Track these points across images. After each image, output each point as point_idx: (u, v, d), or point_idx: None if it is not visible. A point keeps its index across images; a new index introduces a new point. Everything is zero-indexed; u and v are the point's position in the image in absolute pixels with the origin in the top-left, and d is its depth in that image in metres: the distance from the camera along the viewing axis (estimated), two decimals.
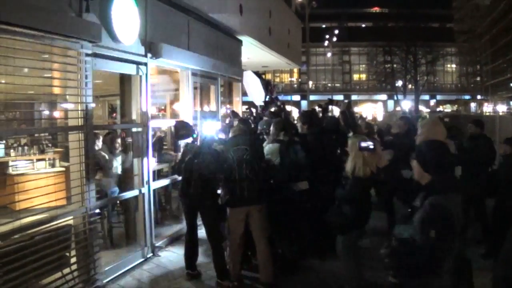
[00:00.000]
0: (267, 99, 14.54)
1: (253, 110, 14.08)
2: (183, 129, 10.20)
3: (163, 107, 21.86)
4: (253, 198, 9.10)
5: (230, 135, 9.96)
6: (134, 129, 10.91)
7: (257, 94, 12.30)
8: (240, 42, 18.39)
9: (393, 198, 12.25)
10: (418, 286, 4.95)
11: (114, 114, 18.66)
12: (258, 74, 13.40)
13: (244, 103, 19.47)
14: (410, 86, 76.92)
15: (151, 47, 11.04)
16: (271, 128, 10.16)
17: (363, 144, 5.99)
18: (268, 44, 20.95)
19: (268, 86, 12.71)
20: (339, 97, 72.10)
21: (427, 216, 4.83)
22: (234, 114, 13.20)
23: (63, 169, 14.77)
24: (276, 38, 22.86)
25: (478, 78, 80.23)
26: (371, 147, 5.89)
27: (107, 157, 11.71)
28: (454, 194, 4.94)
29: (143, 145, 10.95)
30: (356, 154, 8.35)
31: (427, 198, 4.93)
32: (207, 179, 9.54)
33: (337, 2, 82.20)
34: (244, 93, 19.35)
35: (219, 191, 9.83)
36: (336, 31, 78.42)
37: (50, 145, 16.76)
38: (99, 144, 11.69)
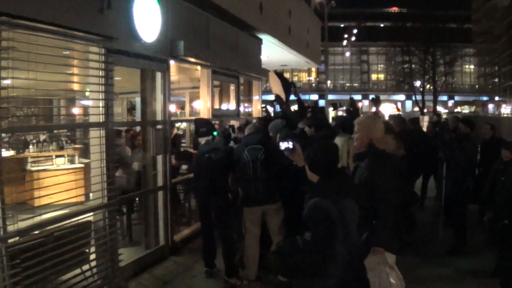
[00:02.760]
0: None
1: (270, 108, 13.99)
2: (203, 126, 10.17)
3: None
4: (267, 197, 9.08)
5: (245, 133, 9.94)
6: (154, 126, 10.89)
7: (280, 95, 12.24)
8: (260, 40, 18.33)
9: None
10: (307, 287, 4.89)
11: (134, 111, 18.71)
12: (280, 74, 13.30)
13: (263, 101, 19.47)
14: (428, 86, 76.54)
15: (172, 44, 11.04)
16: (277, 137, 10.06)
17: (282, 145, 5.95)
18: (287, 42, 20.93)
19: (290, 87, 12.61)
20: (358, 96, 71.70)
21: (306, 217, 4.77)
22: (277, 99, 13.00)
23: (82, 165, 14.79)
24: (296, 37, 22.84)
25: (496, 79, 79.65)
26: (291, 147, 5.84)
27: (129, 153, 11.72)
28: (342, 197, 4.85)
29: (162, 142, 10.94)
30: (341, 153, 8.37)
31: (310, 199, 4.89)
32: (217, 175, 9.53)
33: (355, 1, 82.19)
34: (265, 91, 19.31)
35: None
36: (355, 31, 78.34)
37: (69, 141, 16.80)
38: (120, 141, 11.68)
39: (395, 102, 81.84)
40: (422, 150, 13.16)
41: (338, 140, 8.97)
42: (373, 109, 14.65)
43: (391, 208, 6.02)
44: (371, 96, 14.55)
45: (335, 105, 16.81)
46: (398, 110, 25.13)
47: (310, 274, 4.70)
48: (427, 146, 13.86)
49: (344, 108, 15.11)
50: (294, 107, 12.93)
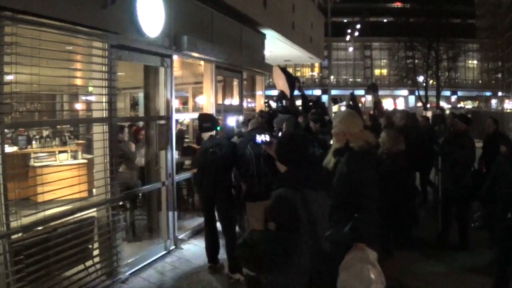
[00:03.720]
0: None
1: (272, 104, 13.95)
2: (207, 121, 10.14)
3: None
4: (270, 192, 9.02)
5: (249, 128, 9.91)
6: (157, 122, 10.87)
7: (284, 90, 12.21)
8: (264, 35, 18.33)
9: None
10: (271, 281, 4.85)
11: (137, 107, 18.72)
12: (285, 70, 13.27)
13: (267, 97, 19.44)
14: (431, 81, 76.42)
15: (176, 39, 11.01)
16: (283, 126, 10.03)
17: (258, 138, 5.96)
18: (291, 38, 20.92)
19: (295, 82, 12.58)
20: (361, 92, 71.53)
21: (270, 207, 4.74)
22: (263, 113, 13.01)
23: (85, 161, 14.78)
24: (299, 32, 22.82)
25: (500, 75, 79.46)
26: (267, 140, 5.86)
27: (133, 148, 11.70)
28: (310, 189, 4.81)
29: (166, 137, 10.91)
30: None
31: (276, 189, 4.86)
32: (221, 171, 9.51)
33: None
34: (268, 87, 19.21)
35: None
36: (358, 26, 78.19)
37: (72, 137, 16.78)
38: (124, 136, 11.66)
39: (393, 97, 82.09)
40: (417, 146, 13.08)
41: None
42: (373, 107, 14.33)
43: (372, 204, 5.95)
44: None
45: (336, 100, 16.72)
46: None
47: (274, 266, 4.66)
48: (422, 142, 13.72)
49: (345, 103, 15.01)
50: (298, 102, 12.90)
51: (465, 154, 10.88)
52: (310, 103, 12.98)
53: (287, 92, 12.41)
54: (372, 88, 13.12)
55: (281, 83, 12.57)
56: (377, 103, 13.01)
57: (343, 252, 5.63)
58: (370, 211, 5.86)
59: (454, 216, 11.35)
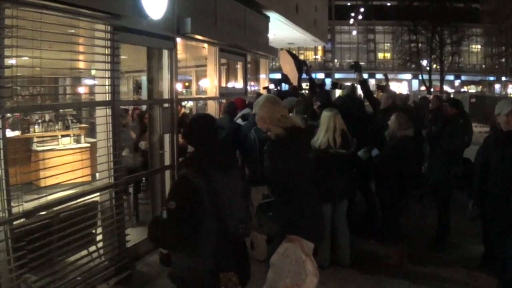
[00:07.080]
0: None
1: (271, 87, 13.87)
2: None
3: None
4: None
5: (253, 111, 9.82)
6: (161, 105, 10.78)
7: (291, 74, 12.11)
8: (268, 18, 18.22)
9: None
10: (178, 262, 4.89)
11: (140, 90, 18.66)
12: (293, 54, 13.16)
13: (270, 80, 19.38)
14: (435, 66, 76.35)
15: (179, 21, 10.89)
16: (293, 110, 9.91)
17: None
18: (295, 20, 20.79)
19: (302, 66, 12.45)
20: (364, 75, 71.60)
21: (172, 186, 4.71)
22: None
23: (88, 145, 14.70)
24: (303, 15, 22.68)
25: (503, 60, 79.41)
26: None
27: (136, 133, 11.63)
28: (216, 170, 4.80)
29: (169, 121, 10.82)
30: (328, 127, 8.36)
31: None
32: None
33: None
34: (272, 70, 19.09)
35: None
36: (362, 9, 78.10)
37: (75, 121, 16.71)
38: (127, 120, 11.59)
39: (386, 81, 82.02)
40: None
41: (325, 115, 8.86)
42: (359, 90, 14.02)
43: (301, 194, 5.81)
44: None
45: (336, 84, 16.61)
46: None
47: (174, 245, 4.69)
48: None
49: (345, 91, 14.84)
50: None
51: (452, 141, 10.53)
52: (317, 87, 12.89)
53: (295, 76, 12.31)
54: (355, 67, 12.93)
55: (288, 67, 12.47)
56: (363, 82, 12.83)
57: (277, 241, 5.61)
58: (300, 202, 5.75)
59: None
